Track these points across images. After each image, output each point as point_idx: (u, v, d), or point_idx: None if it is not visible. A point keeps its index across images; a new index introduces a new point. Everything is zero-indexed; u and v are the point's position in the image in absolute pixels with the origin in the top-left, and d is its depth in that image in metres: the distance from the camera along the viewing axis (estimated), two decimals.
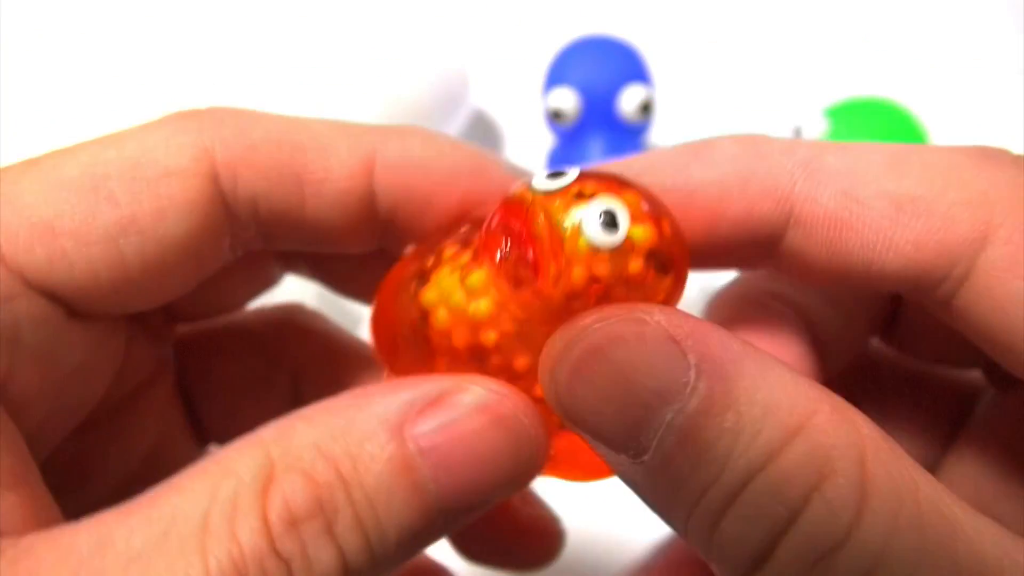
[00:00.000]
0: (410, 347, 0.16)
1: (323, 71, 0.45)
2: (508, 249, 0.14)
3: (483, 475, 0.13)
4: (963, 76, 0.50)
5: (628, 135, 0.42)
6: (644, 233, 0.14)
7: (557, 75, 0.42)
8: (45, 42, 0.55)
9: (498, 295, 0.14)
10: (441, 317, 0.15)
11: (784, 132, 0.40)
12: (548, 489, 0.34)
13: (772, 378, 0.12)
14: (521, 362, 0.15)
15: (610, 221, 0.13)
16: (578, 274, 0.13)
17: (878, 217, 0.14)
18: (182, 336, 0.21)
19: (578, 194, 0.14)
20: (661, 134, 0.45)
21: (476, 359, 0.15)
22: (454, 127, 0.46)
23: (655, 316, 0.13)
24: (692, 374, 0.12)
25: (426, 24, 0.46)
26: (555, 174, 0.14)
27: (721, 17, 0.54)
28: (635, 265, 0.14)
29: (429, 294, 0.15)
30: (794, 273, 0.16)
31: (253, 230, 0.17)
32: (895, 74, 0.50)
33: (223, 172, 0.16)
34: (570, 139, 0.42)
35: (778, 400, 0.12)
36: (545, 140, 0.48)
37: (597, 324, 0.13)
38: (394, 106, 0.42)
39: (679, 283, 0.14)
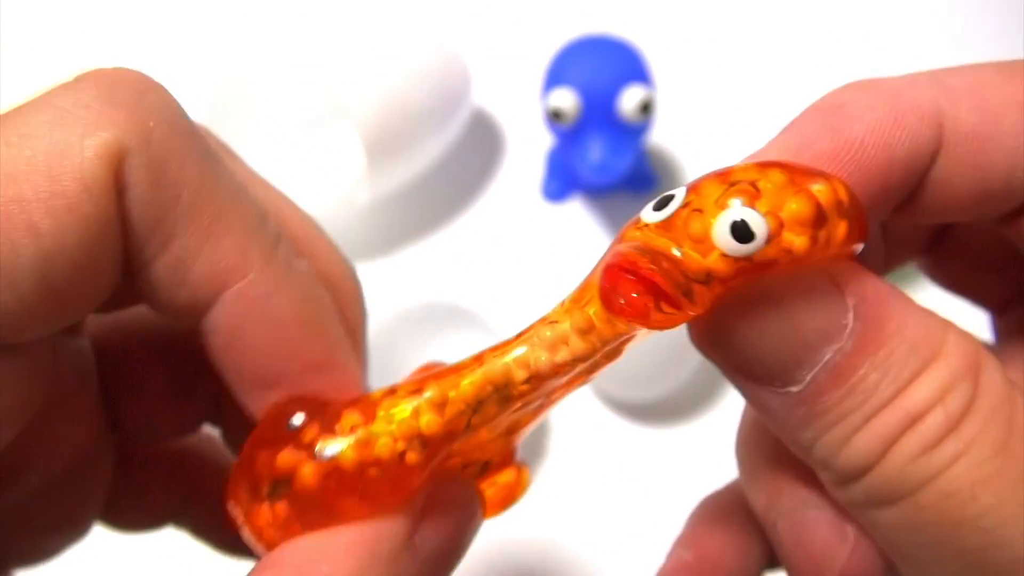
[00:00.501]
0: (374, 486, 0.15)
1: (324, 71, 0.45)
2: (629, 286, 0.13)
3: None
4: None
5: (628, 135, 0.42)
6: (795, 213, 0.13)
7: (557, 75, 0.42)
8: (45, 42, 0.55)
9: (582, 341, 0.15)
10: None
11: None
12: (551, 507, 0.34)
13: (913, 316, 0.14)
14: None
15: (743, 232, 0.13)
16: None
17: (1012, 123, 0.15)
18: (105, 337, 0.20)
19: (695, 209, 0.13)
20: (661, 134, 0.46)
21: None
22: (455, 127, 0.46)
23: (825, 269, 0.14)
24: (851, 316, 0.14)
25: (427, 24, 0.46)
26: (661, 201, 0.14)
27: (721, 17, 0.54)
28: (800, 241, 0.13)
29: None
30: (940, 195, 0.15)
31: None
32: (894, 73, 0.50)
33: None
34: (570, 139, 0.42)
35: (919, 335, 0.14)
36: (546, 140, 0.48)
37: (778, 276, 0.14)
38: (395, 106, 0.42)
39: (853, 235, 0.14)
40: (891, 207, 0.16)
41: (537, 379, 0.15)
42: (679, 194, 0.14)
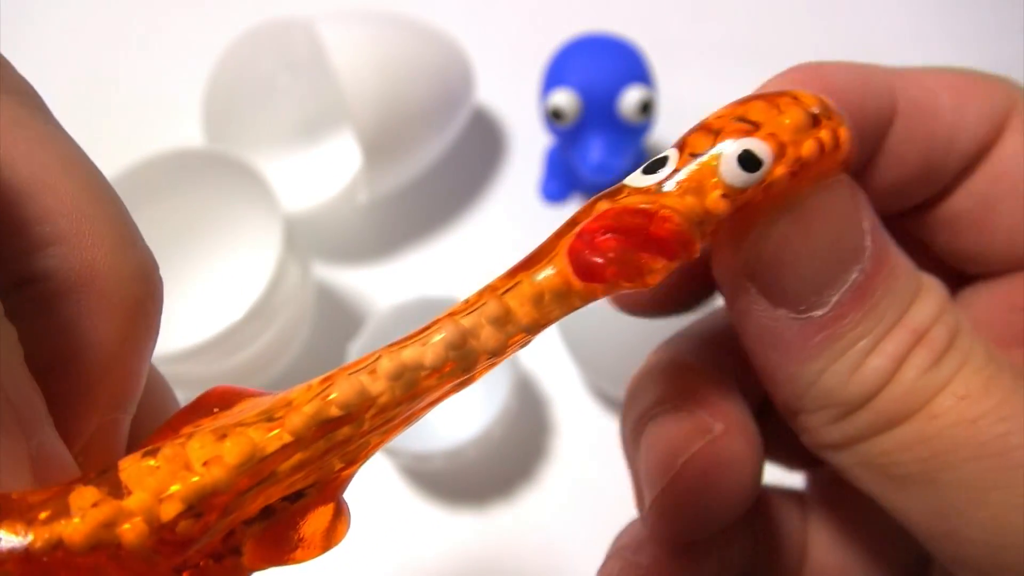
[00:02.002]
0: None
1: (324, 70, 0.45)
2: (611, 248, 0.13)
3: None
4: None
5: (628, 135, 0.42)
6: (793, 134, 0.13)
7: (557, 75, 0.42)
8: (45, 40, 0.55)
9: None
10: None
11: None
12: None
13: (899, 250, 0.15)
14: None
15: (750, 161, 0.13)
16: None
17: (948, 101, 0.16)
18: None
19: (685, 171, 0.13)
20: (661, 134, 0.45)
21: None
22: (455, 126, 0.46)
23: (853, 185, 0.15)
24: (868, 239, 0.14)
25: (428, 23, 0.46)
26: (652, 165, 0.14)
27: (721, 17, 0.54)
28: (808, 146, 0.13)
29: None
30: (891, 164, 0.17)
31: None
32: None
33: None
34: (570, 139, 0.42)
35: (908, 265, 0.15)
36: (546, 140, 0.48)
37: (823, 186, 0.14)
38: (395, 105, 0.42)
39: (847, 134, 0.14)
40: (858, 165, 0.16)
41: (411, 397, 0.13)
42: (672, 154, 0.14)
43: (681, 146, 0.14)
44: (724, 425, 0.15)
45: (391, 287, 0.46)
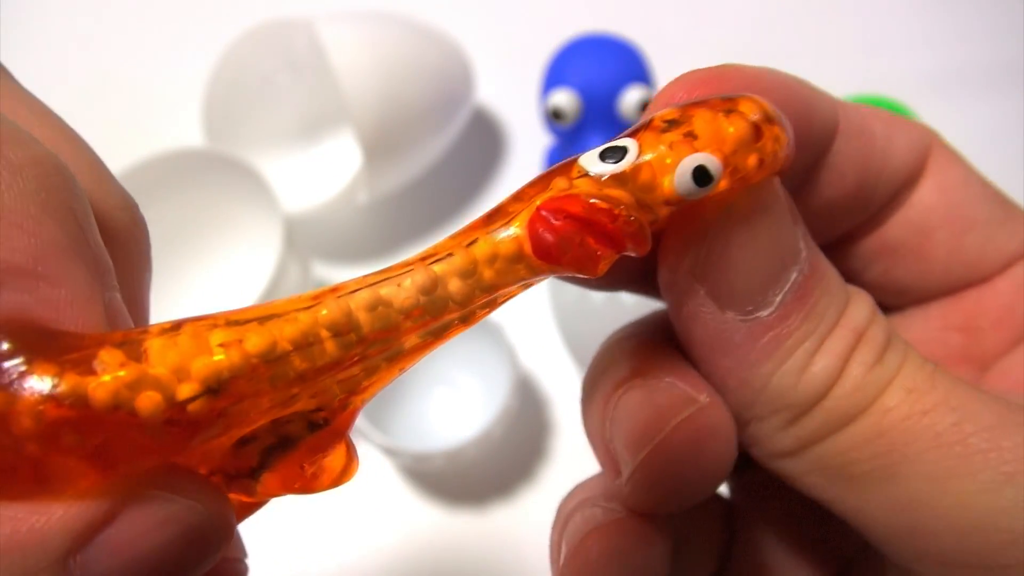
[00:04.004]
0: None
1: (324, 70, 0.45)
2: (565, 234, 0.14)
3: None
4: (963, 74, 0.50)
5: None
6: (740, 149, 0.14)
7: (557, 75, 0.42)
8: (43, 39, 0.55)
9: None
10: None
11: None
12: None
13: (826, 259, 0.15)
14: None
15: (703, 176, 0.14)
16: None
17: (880, 127, 0.17)
18: None
19: (642, 166, 0.14)
20: None
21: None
22: (456, 126, 0.46)
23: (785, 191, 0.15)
24: (802, 243, 0.15)
25: (428, 23, 0.46)
26: (610, 151, 0.14)
27: (721, 17, 0.54)
28: (751, 161, 0.14)
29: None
30: (830, 181, 0.17)
31: None
32: (895, 73, 0.50)
33: None
34: (570, 139, 0.42)
35: (837, 275, 0.15)
36: (546, 139, 0.48)
37: (764, 188, 0.15)
38: (395, 105, 0.42)
39: (787, 138, 0.15)
40: (796, 176, 0.17)
41: (384, 329, 0.13)
42: (631, 146, 0.14)
43: (639, 138, 0.14)
44: (708, 396, 0.15)
45: None
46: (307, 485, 0.14)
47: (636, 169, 0.14)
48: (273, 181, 0.40)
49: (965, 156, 0.19)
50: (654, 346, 0.17)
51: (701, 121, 0.14)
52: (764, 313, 0.15)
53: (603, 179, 0.14)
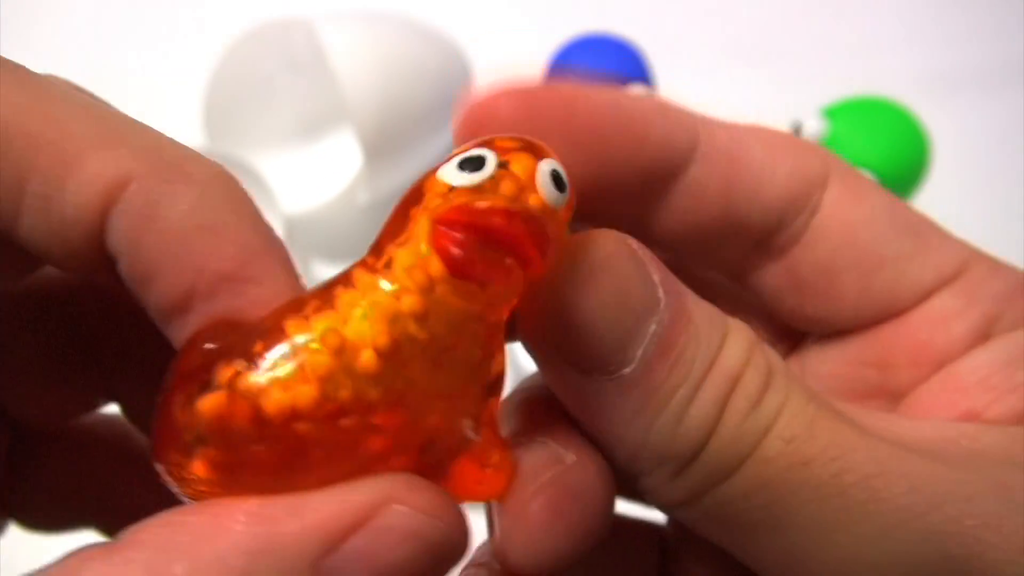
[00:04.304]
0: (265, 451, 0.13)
1: (324, 70, 0.45)
2: (478, 247, 0.13)
3: None
4: (963, 74, 0.50)
5: None
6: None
7: (557, 75, 0.42)
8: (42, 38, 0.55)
9: (436, 310, 0.13)
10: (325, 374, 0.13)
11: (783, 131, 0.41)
12: None
13: (697, 298, 0.15)
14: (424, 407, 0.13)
15: (559, 180, 0.14)
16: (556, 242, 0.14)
17: (758, 154, 0.17)
18: None
19: (513, 170, 0.14)
20: None
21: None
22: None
23: (628, 240, 0.15)
24: (660, 290, 0.14)
25: (428, 23, 0.46)
26: (467, 162, 0.14)
27: (721, 17, 0.54)
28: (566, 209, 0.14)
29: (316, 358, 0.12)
30: (690, 207, 0.17)
31: None
32: (895, 73, 0.50)
33: None
34: None
35: (710, 309, 0.15)
36: None
37: (599, 244, 0.14)
38: (395, 105, 0.42)
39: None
40: (635, 199, 0.17)
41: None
42: (490, 157, 0.14)
43: (493, 148, 0.14)
44: (575, 455, 0.15)
45: None
46: (485, 489, 0.14)
47: (502, 176, 0.13)
48: (273, 182, 0.40)
49: (867, 179, 0.18)
50: (535, 402, 0.16)
51: (535, 144, 0.14)
52: (627, 370, 0.14)
53: (472, 189, 0.13)
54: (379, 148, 0.42)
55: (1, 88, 0.13)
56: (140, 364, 0.18)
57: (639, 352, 0.14)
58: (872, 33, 0.52)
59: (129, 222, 0.13)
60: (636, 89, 0.40)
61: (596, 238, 0.14)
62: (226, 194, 0.14)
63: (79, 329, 0.18)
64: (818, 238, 0.17)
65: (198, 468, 0.13)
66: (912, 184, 0.41)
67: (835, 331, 0.18)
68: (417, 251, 0.13)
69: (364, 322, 0.13)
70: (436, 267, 0.13)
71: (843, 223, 0.17)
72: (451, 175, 0.13)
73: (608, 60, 0.42)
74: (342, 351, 0.12)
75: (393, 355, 0.13)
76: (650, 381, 0.14)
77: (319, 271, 0.46)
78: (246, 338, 0.13)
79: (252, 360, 0.13)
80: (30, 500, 0.20)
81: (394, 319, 0.13)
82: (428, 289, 0.13)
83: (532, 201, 0.13)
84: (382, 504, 0.12)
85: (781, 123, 0.41)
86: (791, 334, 0.19)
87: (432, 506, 0.13)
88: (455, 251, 0.13)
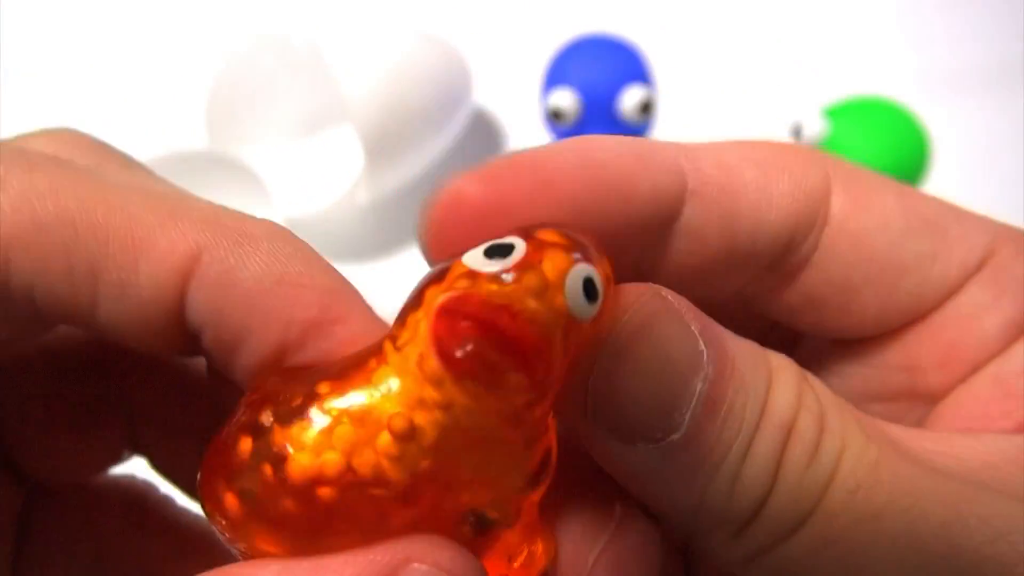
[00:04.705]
0: (292, 514, 0.13)
1: (324, 70, 0.45)
2: (475, 345, 0.12)
3: None
4: (963, 74, 0.50)
5: (628, 135, 0.42)
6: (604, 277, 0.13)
7: (557, 75, 0.42)
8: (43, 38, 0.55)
9: (440, 401, 0.12)
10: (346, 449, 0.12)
11: (783, 132, 0.41)
12: None
13: (736, 338, 0.14)
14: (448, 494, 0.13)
15: (591, 291, 0.12)
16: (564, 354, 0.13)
17: (752, 178, 0.16)
18: None
19: (542, 267, 0.12)
20: (661, 134, 0.46)
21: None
22: (455, 127, 0.46)
23: (663, 293, 0.14)
24: (701, 343, 0.13)
25: (428, 23, 0.46)
26: (495, 249, 0.13)
27: (721, 17, 0.54)
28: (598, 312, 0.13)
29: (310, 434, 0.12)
30: (691, 248, 0.16)
31: (33, 324, 0.15)
32: (895, 73, 0.50)
33: None
34: None
35: (752, 350, 0.14)
36: (545, 140, 0.48)
37: (634, 309, 0.13)
38: (395, 106, 0.42)
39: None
40: (631, 252, 0.15)
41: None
42: (520, 246, 0.12)
43: (525, 238, 0.13)
44: (622, 508, 0.14)
45: (391, 288, 0.46)
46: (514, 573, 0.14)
47: (526, 265, 0.12)
48: (274, 183, 0.40)
49: (872, 176, 0.17)
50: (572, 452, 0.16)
51: (570, 239, 0.13)
52: (676, 436, 0.13)
53: (489, 277, 0.12)
54: (380, 149, 0.42)
55: (61, 183, 0.14)
56: (166, 414, 0.18)
57: (687, 416, 0.13)
58: (872, 33, 0.52)
59: (208, 292, 0.14)
60: (636, 89, 0.40)
61: (630, 298, 0.13)
62: (290, 245, 0.14)
63: (103, 381, 0.18)
64: (830, 255, 0.16)
65: (230, 503, 0.13)
66: (912, 184, 0.41)
67: (860, 337, 0.17)
68: (424, 340, 0.12)
69: (386, 403, 0.12)
70: (435, 363, 0.12)
71: (854, 235, 0.16)
72: (474, 260, 0.12)
73: (608, 60, 0.42)
74: (365, 425, 0.12)
75: (412, 438, 0.12)
76: (700, 443, 0.13)
77: None
78: (296, 386, 0.13)
79: (288, 415, 0.13)
80: (38, 564, 0.19)
81: (417, 404, 0.12)
82: (439, 382, 0.12)
83: (556, 304, 0.12)
84: (401, 565, 0.12)
85: (781, 123, 0.41)
86: (814, 343, 0.18)
87: (452, 563, 0.13)
88: (449, 346, 0.12)
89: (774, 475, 0.13)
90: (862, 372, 0.17)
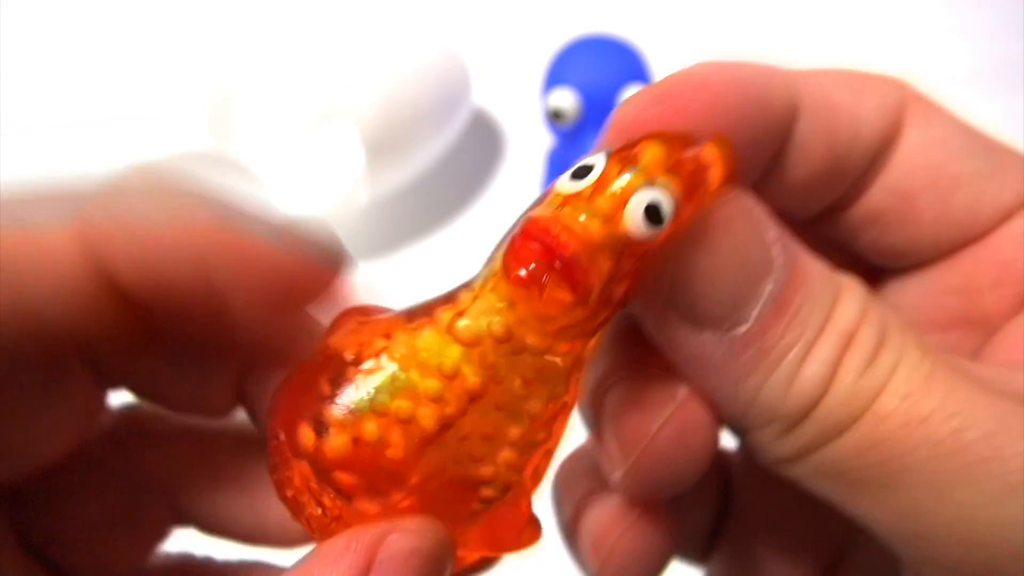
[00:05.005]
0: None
1: (324, 71, 0.45)
2: (536, 262, 0.13)
3: None
4: (962, 74, 0.50)
5: None
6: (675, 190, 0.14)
7: (557, 75, 0.42)
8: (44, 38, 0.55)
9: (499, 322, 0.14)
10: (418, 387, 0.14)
11: None
12: None
13: (811, 254, 0.15)
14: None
15: (654, 214, 0.13)
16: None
17: (847, 96, 0.17)
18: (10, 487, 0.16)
19: (608, 190, 0.13)
20: None
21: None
22: (455, 127, 0.46)
23: (747, 198, 0.15)
24: (776, 249, 0.14)
25: (427, 24, 0.46)
26: (580, 170, 0.14)
27: (721, 17, 0.54)
28: (688, 209, 0.14)
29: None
30: (799, 161, 0.17)
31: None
32: (894, 73, 0.50)
33: None
34: (570, 139, 0.42)
35: (824, 270, 0.15)
36: (545, 140, 0.48)
37: (718, 206, 0.14)
38: (395, 106, 0.42)
39: (724, 180, 0.14)
40: (759, 165, 0.17)
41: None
42: (599, 165, 0.14)
43: (615, 156, 0.14)
44: (686, 388, 0.15)
45: (392, 288, 0.46)
46: (500, 544, 0.15)
47: (598, 187, 0.13)
48: (274, 184, 0.40)
49: (939, 102, 0.18)
50: (623, 341, 0.17)
51: (652, 159, 0.13)
52: (742, 329, 0.14)
53: (568, 198, 0.13)
54: (379, 148, 0.42)
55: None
56: (208, 474, 0.18)
57: (755, 312, 0.14)
58: (871, 33, 0.52)
59: (124, 254, 0.15)
60: (636, 89, 0.40)
61: (716, 197, 0.14)
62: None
63: (139, 467, 0.18)
64: (894, 164, 0.17)
65: (307, 436, 0.14)
66: None
67: (915, 263, 0.18)
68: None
69: (455, 318, 0.15)
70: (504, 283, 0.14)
71: (918, 146, 0.17)
72: (563, 181, 0.14)
73: (608, 60, 0.42)
74: (429, 360, 0.14)
75: (478, 343, 0.14)
76: (764, 340, 0.14)
77: None
78: (375, 326, 0.16)
79: (366, 355, 0.14)
80: None
81: (485, 314, 0.14)
82: (505, 300, 0.14)
83: (611, 225, 0.13)
84: (381, 539, 0.14)
85: None
86: (870, 277, 0.19)
87: (419, 525, 0.14)
88: (514, 265, 0.13)
89: (830, 379, 0.14)
90: (919, 302, 0.18)
